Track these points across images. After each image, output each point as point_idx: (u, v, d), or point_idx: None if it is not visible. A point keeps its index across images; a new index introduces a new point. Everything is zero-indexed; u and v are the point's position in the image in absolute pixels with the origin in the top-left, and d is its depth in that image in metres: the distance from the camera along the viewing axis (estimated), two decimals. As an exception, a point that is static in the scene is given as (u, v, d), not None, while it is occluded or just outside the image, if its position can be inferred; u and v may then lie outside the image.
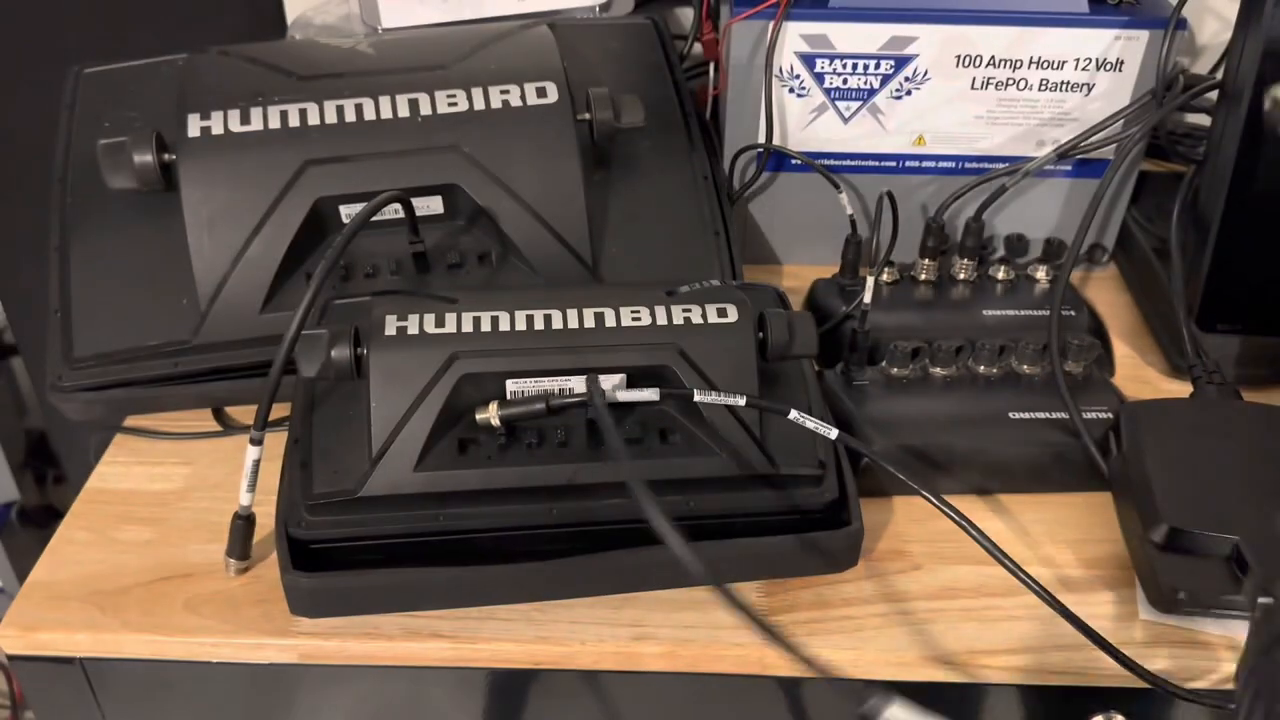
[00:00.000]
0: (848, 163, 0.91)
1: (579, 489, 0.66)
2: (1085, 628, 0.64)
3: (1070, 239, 0.90)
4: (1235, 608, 0.65)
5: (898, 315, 0.83)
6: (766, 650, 0.65)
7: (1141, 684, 0.63)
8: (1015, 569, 0.66)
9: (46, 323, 0.78)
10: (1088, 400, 0.74)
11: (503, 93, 0.80)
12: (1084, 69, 0.86)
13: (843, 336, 0.79)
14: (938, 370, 0.76)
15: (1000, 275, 0.87)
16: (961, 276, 0.87)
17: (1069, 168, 0.91)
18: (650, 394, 0.64)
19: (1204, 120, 0.94)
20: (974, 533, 0.66)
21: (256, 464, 0.67)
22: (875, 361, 0.78)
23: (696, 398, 0.64)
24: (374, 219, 0.72)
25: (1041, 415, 0.73)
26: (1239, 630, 0.65)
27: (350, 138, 0.78)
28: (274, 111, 0.78)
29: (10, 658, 0.68)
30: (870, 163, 0.92)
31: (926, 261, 0.87)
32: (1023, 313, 0.84)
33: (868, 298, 0.75)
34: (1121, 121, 0.87)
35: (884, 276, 0.86)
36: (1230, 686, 0.65)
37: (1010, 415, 0.74)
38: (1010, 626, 0.66)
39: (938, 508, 0.66)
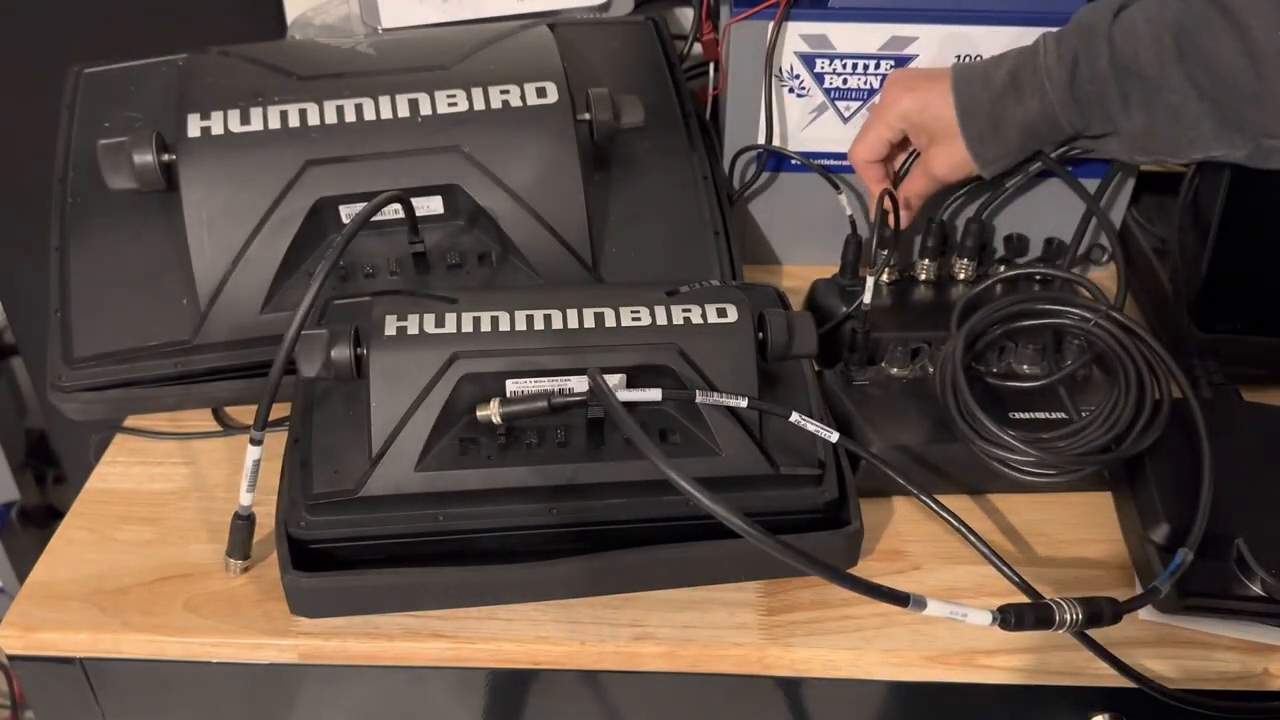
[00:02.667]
0: (848, 163, 0.91)
1: (579, 489, 0.66)
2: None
3: (1070, 239, 0.90)
4: (1236, 608, 0.65)
5: (898, 315, 0.83)
6: (767, 650, 0.65)
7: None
8: (1007, 569, 0.66)
9: (46, 323, 0.78)
10: (1087, 400, 0.74)
11: (503, 93, 0.80)
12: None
13: (843, 336, 0.79)
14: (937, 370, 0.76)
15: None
16: (961, 276, 0.87)
17: (1069, 168, 0.91)
18: (653, 394, 0.64)
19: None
20: (967, 533, 0.66)
21: (256, 464, 0.67)
22: (875, 361, 0.78)
23: (699, 399, 0.64)
24: (374, 219, 0.72)
25: (1041, 415, 0.73)
26: (1240, 630, 0.65)
27: (350, 138, 0.78)
28: (274, 111, 0.78)
29: (10, 658, 0.68)
30: (870, 163, 0.91)
31: (926, 261, 0.87)
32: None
33: (868, 298, 0.75)
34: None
35: (884, 276, 0.86)
36: (1231, 688, 0.65)
37: (1010, 415, 0.73)
38: (1010, 626, 0.66)
39: (934, 510, 0.66)
